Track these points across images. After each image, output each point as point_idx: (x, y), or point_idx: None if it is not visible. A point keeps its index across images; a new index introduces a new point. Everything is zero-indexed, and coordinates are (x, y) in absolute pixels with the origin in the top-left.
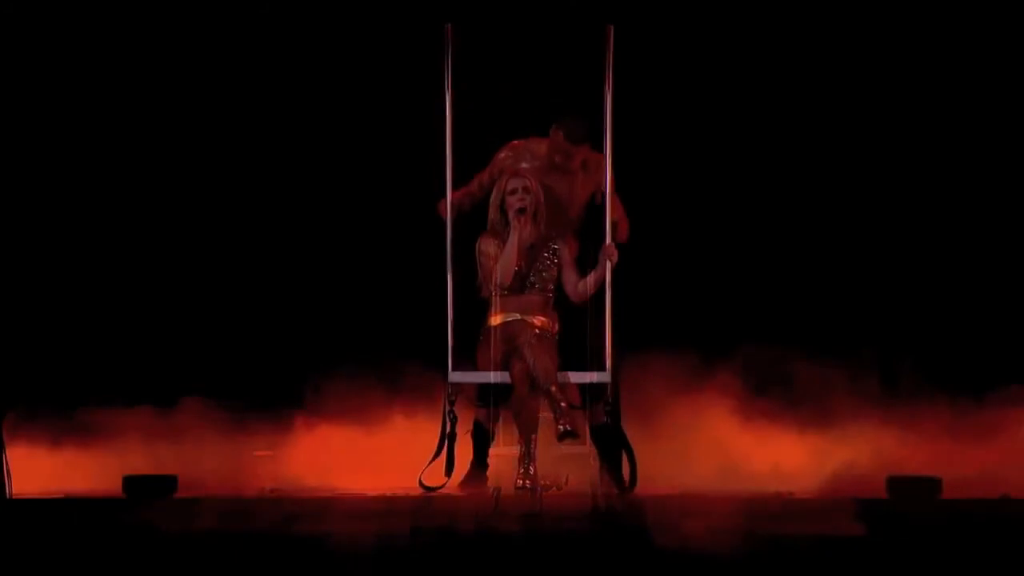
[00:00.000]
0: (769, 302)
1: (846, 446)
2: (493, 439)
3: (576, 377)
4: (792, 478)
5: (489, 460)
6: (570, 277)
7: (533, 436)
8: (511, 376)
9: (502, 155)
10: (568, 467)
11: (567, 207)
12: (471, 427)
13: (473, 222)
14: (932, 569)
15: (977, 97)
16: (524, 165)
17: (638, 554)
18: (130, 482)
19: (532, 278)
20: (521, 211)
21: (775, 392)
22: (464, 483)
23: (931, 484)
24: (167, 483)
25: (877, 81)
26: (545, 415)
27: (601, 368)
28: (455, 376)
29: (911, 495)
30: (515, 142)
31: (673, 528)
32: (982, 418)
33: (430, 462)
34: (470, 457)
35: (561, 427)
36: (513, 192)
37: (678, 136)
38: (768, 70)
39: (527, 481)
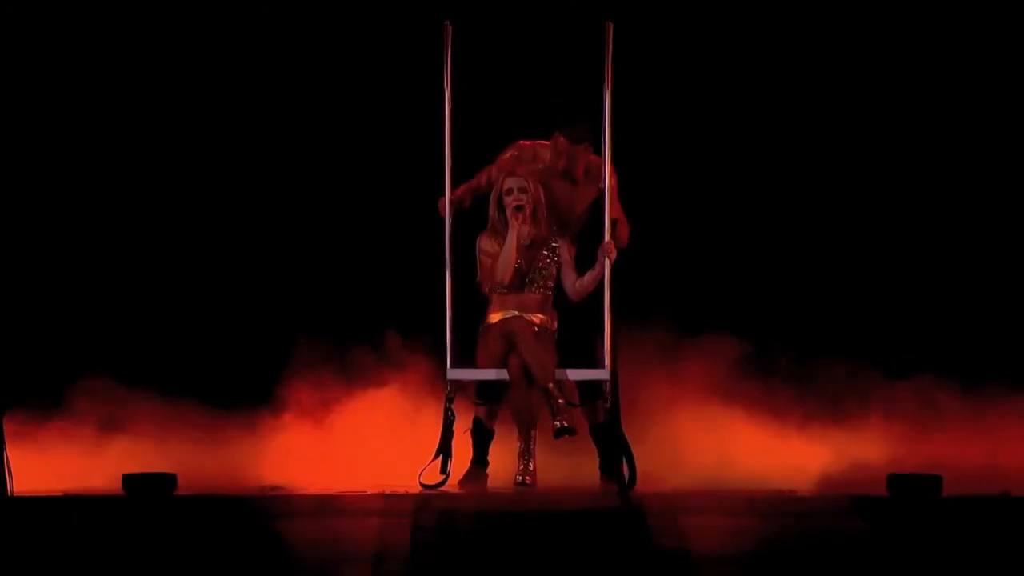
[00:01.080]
0: (769, 299)
1: (847, 443)
2: (493, 436)
3: (575, 375)
4: (792, 475)
5: (488, 458)
6: (569, 276)
7: (532, 432)
8: (509, 373)
9: (508, 155)
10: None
11: (568, 211)
12: (470, 425)
13: (473, 220)
14: (932, 567)
15: (970, 96)
16: (531, 167)
17: (638, 552)
18: (129, 480)
19: (532, 276)
20: (519, 209)
21: (776, 389)
22: (464, 481)
23: (932, 482)
24: (166, 481)
25: (877, 76)
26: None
27: (600, 366)
28: (454, 373)
29: (912, 493)
30: (522, 142)
31: (672, 525)
32: (983, 416)
33: (431, 460)
34: (470, 455)
35: (558, 424)
36: (509, 192)
37: (677, 134)
38: (768, 66)
39: (527, 477)
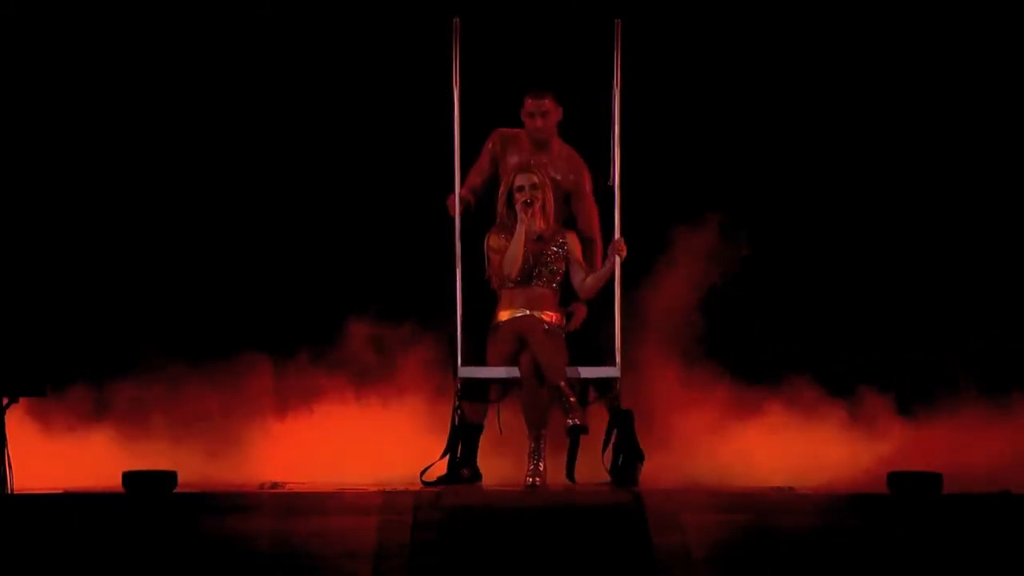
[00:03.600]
0: (769, 297)
1: (847, 441)
2: (480, 432)
3: (585, 372)
4: (792, 473)
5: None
6: (577, 273)
7: (543, 431)
8: (520, 371)
9: (490, 145)
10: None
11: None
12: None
13: (481, 217)
14: (933, 565)
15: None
16: (515, 158)
17: (638, 550)
18: (130, 478)
19: (539, 270)
20: (528, 203)
21: (775, 387)
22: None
23: (932, 480)
24: (167, 479)
25: (888, 79)
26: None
27: (611, 363)
28: (465, 371)
29: (912, 491)
30: (502, 130)
31: (673, 524)
32: (984, 414)
33: (438, 459)
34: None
35: (570, 422)
36: (520, 189)
37: (685, 131)
38: (777, 63)
39: (536, 479)
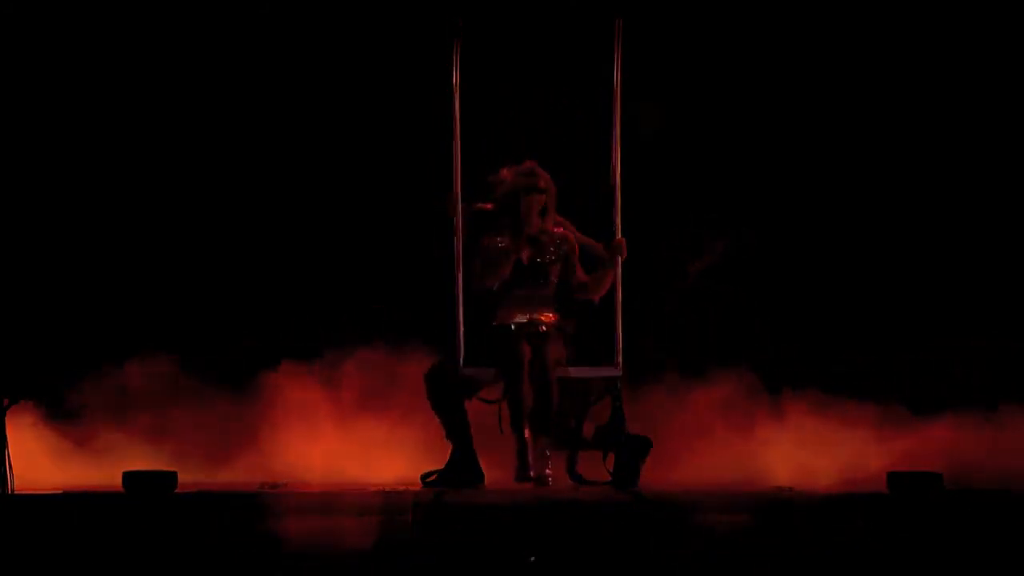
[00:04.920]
0: (769, 298)
1: (847, 441)
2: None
3: (586, 372)
4: (792, 473)
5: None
6: (576, 275)
7: (548, 433)
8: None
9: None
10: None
11: None
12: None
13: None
14: (932, 566)
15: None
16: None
17: (639, 550)
18: (130, 478)
19: (539, 271)
20: (529, 176)
21: (775, 387)
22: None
23: (932, 480)
24: (167, 479)
25: (889, 79)
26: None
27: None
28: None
29: (912, 491)
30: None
31: (674, 524)
32: (984, 414)
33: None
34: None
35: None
36: (528, 191)
37: (685, 130)
38: (778, 62)
39: (539, 476)
